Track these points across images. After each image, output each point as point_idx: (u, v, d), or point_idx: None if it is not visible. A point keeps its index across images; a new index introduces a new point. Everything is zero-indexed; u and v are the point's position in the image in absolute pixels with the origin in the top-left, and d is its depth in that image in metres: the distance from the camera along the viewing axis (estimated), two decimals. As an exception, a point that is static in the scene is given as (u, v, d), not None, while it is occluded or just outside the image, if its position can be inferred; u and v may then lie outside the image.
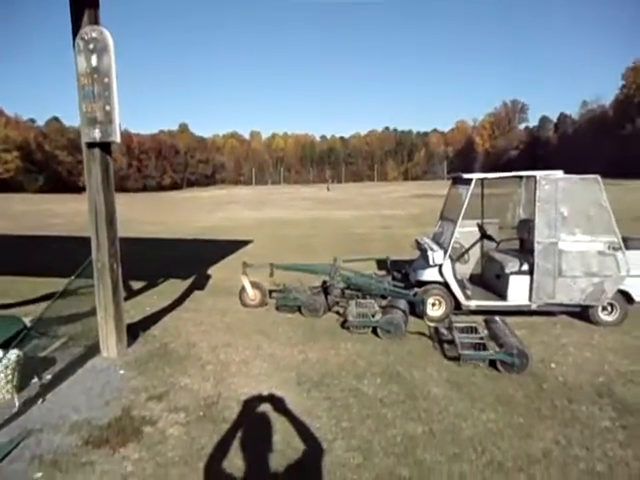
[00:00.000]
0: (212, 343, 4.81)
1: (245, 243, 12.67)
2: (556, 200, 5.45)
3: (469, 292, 6.06)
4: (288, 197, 40.27)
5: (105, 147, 4.18)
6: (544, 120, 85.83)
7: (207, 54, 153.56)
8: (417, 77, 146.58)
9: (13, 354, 3.38)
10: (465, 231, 6.54)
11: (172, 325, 5.35)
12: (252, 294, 6.54)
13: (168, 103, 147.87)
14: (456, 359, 4.55)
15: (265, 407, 3.56)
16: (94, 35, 3.86)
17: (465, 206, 5.87)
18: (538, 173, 5.58)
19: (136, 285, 7.68)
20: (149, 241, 13.29)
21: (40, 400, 3.48)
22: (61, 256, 10.86)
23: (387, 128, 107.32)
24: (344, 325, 5.62)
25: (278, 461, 2.92)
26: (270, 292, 6.78)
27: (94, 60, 3.86)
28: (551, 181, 5.46)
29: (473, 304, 5.88)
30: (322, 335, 5.37)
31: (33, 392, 3.56)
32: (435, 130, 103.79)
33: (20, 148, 64.62)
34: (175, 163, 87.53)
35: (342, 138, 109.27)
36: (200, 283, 8.20)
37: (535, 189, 5.55)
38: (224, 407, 3.53)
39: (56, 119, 77.96)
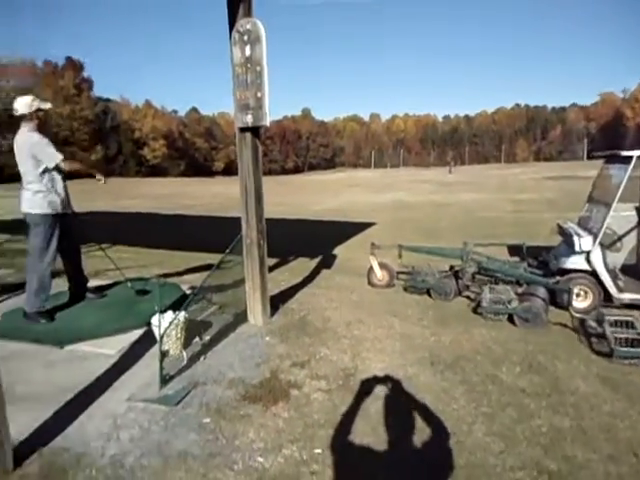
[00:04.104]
0: (345, 319, 5.01)
1: (368, 225, 12.78)
2: None
3: (622, 283, 5.47)
4: (409, 180, 39.54)
5: (255, 131, 4.50)
6: None
7: (326, 38, 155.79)
8: (553, 46, 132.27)
9: (182, 315, 3.89)
10: (618, 215, 5.88)
11: (306, 300, 5.66)
12: (380, 275, 6.62)
13: (292, 89, 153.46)
14: (607, 355, 4.17)
15: (401, 383, 3.64)
16: (248, 27, 4.16)
17: (622, 187, 5.27)
18: None
19: (269, 262, 8.21)
20: (276, 221, 14.04)
21: (202, 357, 3.96)
22: (206, 233, 12.08)
23: (517, 104, 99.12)
24: (476, 310, 5.45)
25: (418, 436, 2.97)
26: (397, 273, 6.81)
27: (248, 50, 4.17)
28: None
29: (627, 297, 5.30)
30: (453, 319, 5.27)
31: (195, 350, 4.07)
32: (574, 104, 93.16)
33: (165, 137, 72.35)
34: (297, 147, 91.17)
35: (467, 117, 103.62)
36: (327, 262, 8.51)
37: None
38: (361, 379, 3.69)
39: (195, 109, 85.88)
